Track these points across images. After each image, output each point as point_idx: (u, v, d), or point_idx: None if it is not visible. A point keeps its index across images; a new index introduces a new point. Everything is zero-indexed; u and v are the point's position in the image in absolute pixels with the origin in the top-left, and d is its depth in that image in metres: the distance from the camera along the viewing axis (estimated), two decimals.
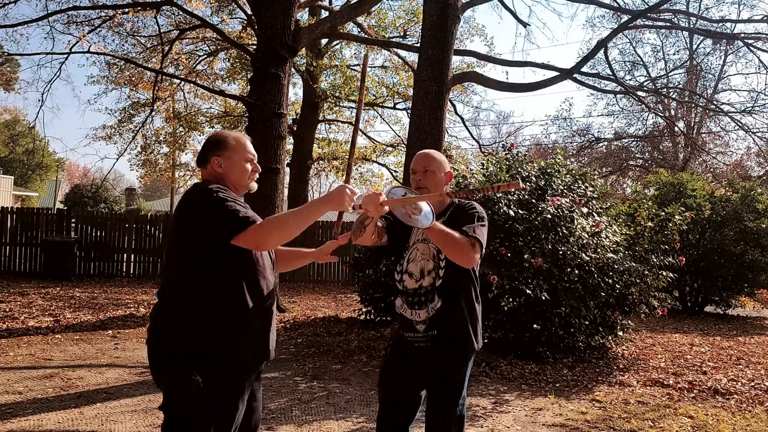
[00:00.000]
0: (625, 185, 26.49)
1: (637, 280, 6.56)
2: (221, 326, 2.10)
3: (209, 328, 2.09)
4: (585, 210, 6.66)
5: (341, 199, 2.14)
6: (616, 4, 11.37)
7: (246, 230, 2.05)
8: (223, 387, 2.10)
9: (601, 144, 25.85)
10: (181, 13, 12.52)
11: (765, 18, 10.91)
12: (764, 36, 10.34)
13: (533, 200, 6.44)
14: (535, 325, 6.36)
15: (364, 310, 8.40)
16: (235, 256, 2.11)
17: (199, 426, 2.07)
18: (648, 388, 5.58)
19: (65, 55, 11.35)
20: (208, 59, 17.42)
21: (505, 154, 7.31)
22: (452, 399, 2.61)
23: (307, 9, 13.30)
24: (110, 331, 7.40)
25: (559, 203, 6.36)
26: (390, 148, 19.16)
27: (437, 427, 2.61)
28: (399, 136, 18.62)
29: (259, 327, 2.19)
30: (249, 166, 2.30)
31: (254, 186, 2.35)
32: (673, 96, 20.91)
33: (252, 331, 2.16)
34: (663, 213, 7.60)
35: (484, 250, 2.56)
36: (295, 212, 2.13)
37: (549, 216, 6.21)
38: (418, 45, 8.58)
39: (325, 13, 14.28)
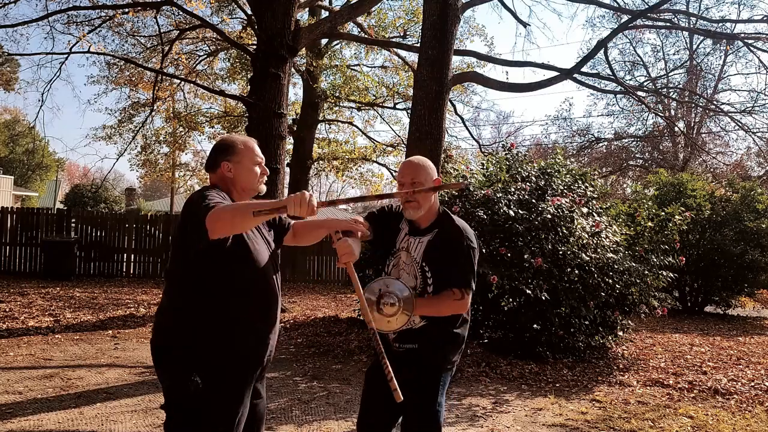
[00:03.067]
0: (625, 185, 26.49)
1: (637, 280, 6.56)
2: (218, 325, 2.11)
3: (207, 326, 2.10)
4: (585, 210, 6.66)
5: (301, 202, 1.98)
6: (616, 4, 11.37)
7: (206, 216, 1.98)
8: (223, 387, 2.11)
9: (601, 144, 25.85)
10: (181, 13, 12.53)
11: (765, 18, 10.91)
12: (764, 36, 10.34)
13: (533, 200, 6.44)
14: (535, 325, 6.36)
15: None
16: (231, 254, 2.11)
17: (199, 426, 2.08)
18: (648, 388, 5.58)
19: (65, 55, 11.38)
20: (208, 59, 17.43)
21: (505, 154, 7.32)
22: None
23: (307, 9, 13.30)
24: (110, 331, 7.40)
25: (559, 203, 6.36)
26: (390, 148, 19.17)
27: None
28: (399, 136, 18.63)
29: (258, 327, 2.19)
30: (258, 169, 2.32)
31: (263, 188, 2.37)
32: (673, 96, 20.90)
33: (249, 331, 2.16)
34: (663, 213, 7.60)
35: (474, 284, 2.49)
36: (246, 204, 2.05)
37: (549, 216, 6.21)
38: (418, 45, 8.58)
39: (325, 13, 14.28)
